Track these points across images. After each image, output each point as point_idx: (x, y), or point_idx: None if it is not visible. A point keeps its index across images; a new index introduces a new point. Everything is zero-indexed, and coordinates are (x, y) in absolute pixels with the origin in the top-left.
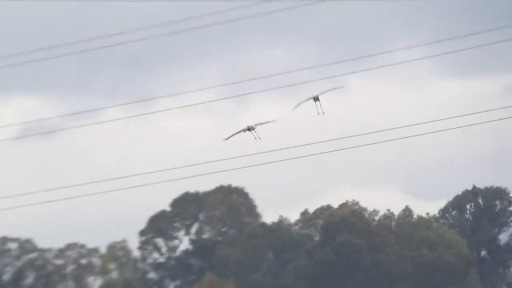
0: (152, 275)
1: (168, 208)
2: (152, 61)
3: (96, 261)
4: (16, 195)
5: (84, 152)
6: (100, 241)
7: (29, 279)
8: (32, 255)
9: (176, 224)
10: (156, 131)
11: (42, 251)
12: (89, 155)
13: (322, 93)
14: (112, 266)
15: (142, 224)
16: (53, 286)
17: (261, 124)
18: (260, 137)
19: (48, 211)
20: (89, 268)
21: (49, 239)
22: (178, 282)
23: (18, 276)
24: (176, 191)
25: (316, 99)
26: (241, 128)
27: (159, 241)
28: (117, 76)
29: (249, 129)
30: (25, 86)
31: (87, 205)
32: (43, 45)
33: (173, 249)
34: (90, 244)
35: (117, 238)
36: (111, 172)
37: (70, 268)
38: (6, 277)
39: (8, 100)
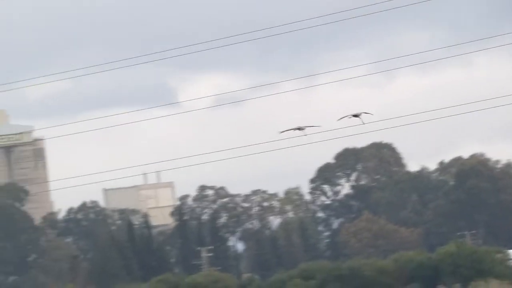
0: (320, 214)
1: (332, 161)
2: (317, 44)
3: (275, 204)
4: (211, 152)
5: (264, 117)
6: (278, 188)
7: (223, 219)
8: (225, 200)
9: (338, 173)
10: (321, 100)
11: (233, 196)
12: (269, 120)
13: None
14: (288, 207)
15: (312, 174)
16: (242, 224)
17: (311, 126)
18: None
19: (238, 164)
20: (270, 210)
21: (239, 186)
22: (341, 220)
23: (214, 217)
24: (339, 147)
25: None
26: (294, 127)
27: (326, 187)
28: (290, 55)
29: (299, 129)
30: (216, 65)
31: (268, 159)
32: (232, 32)
33: (336, 193)
34: (271, 190)
35: (292, 185)
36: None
37: (255, 209)
38: (205, 217)
39: (203, 77)
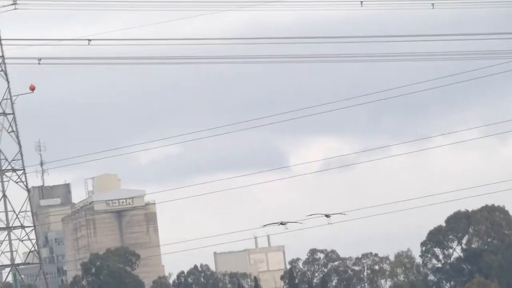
0: (431, 277)
1: (443, 224)
2: (426, 107)
3: (386, 267)
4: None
5: (374, 181)
6: (389, 251)
7: (333, 282)
8: (336, 263)
9: (450, 236)
10: (431, 164)
11: (344, 259)
12: (379, 184)
13: None
14: (399, 270)
15: (423, 237)
16: (353, 287)
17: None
18: None
19: (348, 227)
20: (380, 273)
21: (349, 250)
22: (452, 283)
23: (325, 280)
24: (450, 210)
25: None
26: (276, 222)
27: (437, 250)
28: (399, 120)
29: (282, 223)
30: (326, 129)
31: (378, 222)
32: (341, 97)
33: (448, 256)
34: (381, 254)
35: (403, 248)
36: (396, 196)
37: (365, 272)
38: (316, 280)
39: (313, 141)
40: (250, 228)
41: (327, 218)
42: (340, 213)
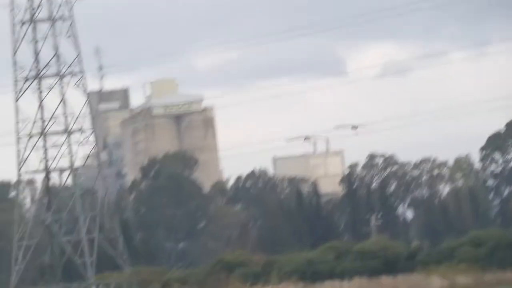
0: (490, 182)
1: (503, 129)
2: (487, 11)
3: (445, 172)
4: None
5: (432, 87)
6: (448, 156)
7: (392, 187)
8: (394, 168)
9: (510, 142)
10: (491, 69)
11: (402, 164)
12: (437, 90)
13: None
14: (458, 175)
15: (482, 142)
16: (411, 192)
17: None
18: None
19: (407, 133)
20: (439, 178)
21: (408, 154)
22: (511, 188)
23: (383, 185)
24: (510, 115)
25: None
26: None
27: (496, 155)
28: (459, 24)
29: (354, 127)
30: (382, 35)
31: (437, 128)
32: (399, 1)
33: (507, 161)
34: (440, 159)
35: (462, 153)
36: (455, 101)
37: (424, 177)
38: (374, 185)
39: (369, 47)
40: (309, 133)
41: (354, 129)
42: (362, 125)
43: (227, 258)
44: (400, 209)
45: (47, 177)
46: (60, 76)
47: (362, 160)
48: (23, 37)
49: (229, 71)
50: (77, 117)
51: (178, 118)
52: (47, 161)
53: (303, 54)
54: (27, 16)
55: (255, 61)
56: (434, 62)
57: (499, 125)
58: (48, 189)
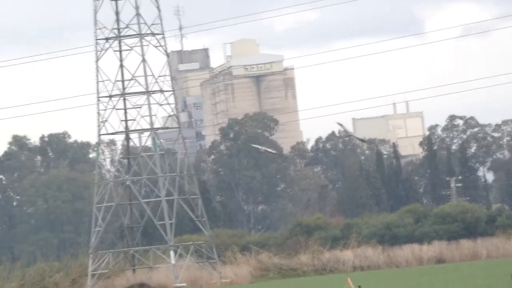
0: None
1: None
2: None
3: None
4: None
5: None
6: None
7: (472, 149)
8: (475, 130)
9: None
10: None
11: (483, 126)
12: None
13: None
14: None
15: None
16: (491, 154)
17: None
18: None
19: (488, 95)
20: None
21: (489, 116)
22: None
23: (464, 147)
24: None
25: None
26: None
27: None
28: None
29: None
30: None
31: None
32: None
33: None
34: None
35: None
36: None
37: (505, 139)
38: (454, 147)
39: (449, 7)
40: (389, 94)
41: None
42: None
43: (305, 221)
44: (480, 171)
45: (127, 138)
46: (141, 36)
47: (442, 122)
48: None
49: (308, 32)
50: (157, 78)
51: (258, 79)
52: (127, 122)
53: (381, 14)
54: None
55: (333, 22)
56: None
57: None
58: (127, 151)
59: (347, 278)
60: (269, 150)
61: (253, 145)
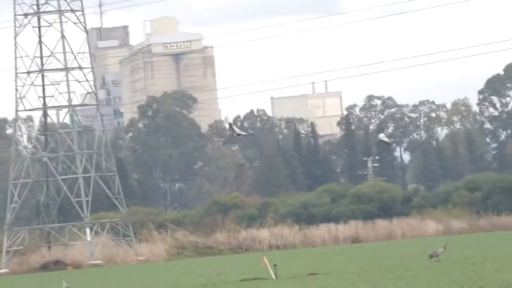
0: (487, 126)
1: (502, 72)
2: None
3: (442, 114)
4: (379, 62)
5: (430, 28)
6: (446, 99)
7: (389, 129)
8: (392, 110)
9: (508, 85)
10: (489, 12)
11: (400, 106)
12: (435, 32)
13: None
14: (455, 118)
15: (480, 85)
16: (408, 134)
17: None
18: None
19: (405, 75)
20: (437, 120)
21: (406, 97)
22: (508, 132)
23: (381, 126)
24: (509, 59)
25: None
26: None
27: (494, 99)
28: None
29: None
30: None
31: (436, 70)
32: None
33: (505, 104)
34: (438, 101)
35: (460, 96)
36: (454, 44)
37: (422, 120)
38: (372, 127)
39: None
40: (308, 74)
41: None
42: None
43: (222, 199)
44: (397, 152)
45: (44, 115)
46: (60, 12)
47: (360, 102)
48: None
49: (228, 11)
50: (76, 55)
51: (177, 57)
52: (45, 98)
53: None
54: None
55: (254, 0)
56: (433, 3)
57: (498, 68)
58: (45, 127)
59: (263, 257)
60: (242, 132)
61: (233, 129)
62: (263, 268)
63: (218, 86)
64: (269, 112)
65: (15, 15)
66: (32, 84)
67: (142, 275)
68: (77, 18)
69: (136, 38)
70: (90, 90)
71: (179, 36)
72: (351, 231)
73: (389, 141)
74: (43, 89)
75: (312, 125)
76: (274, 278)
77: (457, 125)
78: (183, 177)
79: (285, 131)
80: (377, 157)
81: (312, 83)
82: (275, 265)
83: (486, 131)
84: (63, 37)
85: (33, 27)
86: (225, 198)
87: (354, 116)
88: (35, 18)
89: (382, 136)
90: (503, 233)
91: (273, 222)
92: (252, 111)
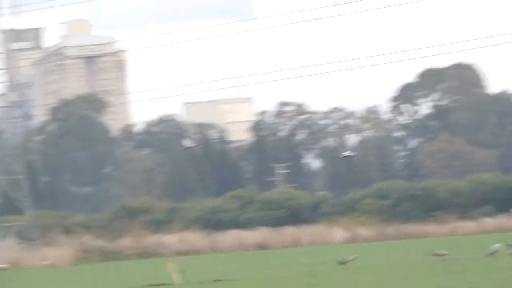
0: (398, 133)
1: (414, 80)
2: None
3: (353, 122)
4: (291, 68)
5: (344, 35)
6: (357, 106)
7: (300, 135)
8: (304, 116)
9: (419, 93)
10: (402, 20)
11: (312, 113)
12: (348, 39)
13: None
14: (366, 126)
15: (392, 92)
16: (319, 141)
17: None
18: None
19: (318, 81)
20: (348, 128)
21: (318, 103)
22: (419, 140)
23: (292, 133)
24: (421, 67)
25: None
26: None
27: (406, 106)
28: None
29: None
30: None
31: (348, 77)
32: None
33: (416, 113)
34: (350, 108)
35: (372, 103)
36: (366, 51)
37: (333, 127)
38: (283, 133)
39: None
40: (219, 79)
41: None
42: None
43: (130, 203)
44: (308, 158)
45: None
46: None
47: (271, 107)
48: None
49: (141, 14)
50: None
51: (90, 60)
52: None
53: None
54: None
55: (167, 4)
56: (346, 11)
57: (410, 76)
58: None
59: (169, 263)
60: (350, 154)
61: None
62: (170, 274)
63: (130, 90)
64: (180, 117)
65: None
66: None
67: (45, 281)
68: None
69: (50, 40)
70: (1, 92)
71: (92, 39)
72: (259, 238)
73: (353, 154)
74: None
75: (222, 130)
76: (176, 283)
77: (368, 133)
78: (92, 181)
79: (195, 136)
80: (287, 164)
81: (224, 88)
82: (183, 271)
83: (396, 139)
84: None
85: None
86: (133, 202)
87: (265, 122)
88: None
89: (347, 153)
90: (411, 241)
91: (181, 227)
92: (163, 116)
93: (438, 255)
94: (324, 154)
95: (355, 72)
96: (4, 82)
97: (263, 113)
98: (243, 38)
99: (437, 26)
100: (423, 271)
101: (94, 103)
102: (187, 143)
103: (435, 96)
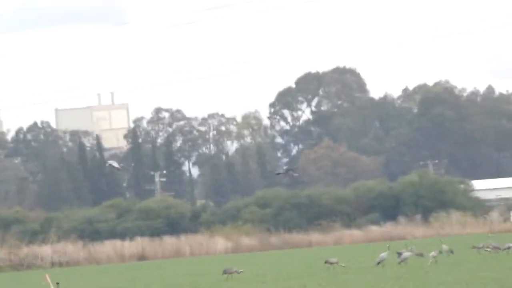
0: (279, 140)
1: (293, 85)
2: None
3: (233, 128)
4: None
5: (221, 39)
6: (236, 112)
7: (178, 142)
8: (181, 123)
9: (299, 98)
10: (281, 24)
11: (189, 119)
12: (227, 42)
13: None
14: (246, 132)
15: (271, 98)
16: (197, 148)
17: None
18: None
19: (195, 87)
20: (227, 134)
21: (195, 109)
22: (300, 146)
23: (169, 140)
24: (300, 71)
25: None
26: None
27: (285, 112)
28: None
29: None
30: None
31: (226, 82)
32: None
33: (296, 118)
34: (228, 114)
35: (251, 109)
36: (243, 55)
37: (211, 133)
38: (160, 140)
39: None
40: (93, 85)
41: None
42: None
43: (3, 214)
44: (186, 166)
45: None
46: None
47: (148, 114)
48: None
49: (13, 19)
50: None
51: None
52: None
53: (85, 2)
54: None
55: (36, 8)
56: (224, 15)
57: (290, 81)
58: None
59: (46, 275)
60: (114, 165)
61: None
62: (45, 286)
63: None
64: (53, 124)
65: None
66: None
67: None
68: None
69: None
70: None
71: None
72: (137, 248)
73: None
74: None
75: (98, 137)
76: None
77: (248, 139)
78: None
79: (69, 143)
80: (165, 172)
81: (98, 94)
82: (57, 283)
83: (277, 145)
84: None
85: None
86: (6, 212)
87: (141, 129)
88: None
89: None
90: (294, 250)
91: (56, 238)
92: (35, 123)
93: (329, 263)
94: (203, 161)
95: (233, 77)
96: None
97: (139, 119)
98: (117, 43)
99: (318, 29)
100: (312, 280)
101: None
102: (114, 164)
103: (315, 101)
